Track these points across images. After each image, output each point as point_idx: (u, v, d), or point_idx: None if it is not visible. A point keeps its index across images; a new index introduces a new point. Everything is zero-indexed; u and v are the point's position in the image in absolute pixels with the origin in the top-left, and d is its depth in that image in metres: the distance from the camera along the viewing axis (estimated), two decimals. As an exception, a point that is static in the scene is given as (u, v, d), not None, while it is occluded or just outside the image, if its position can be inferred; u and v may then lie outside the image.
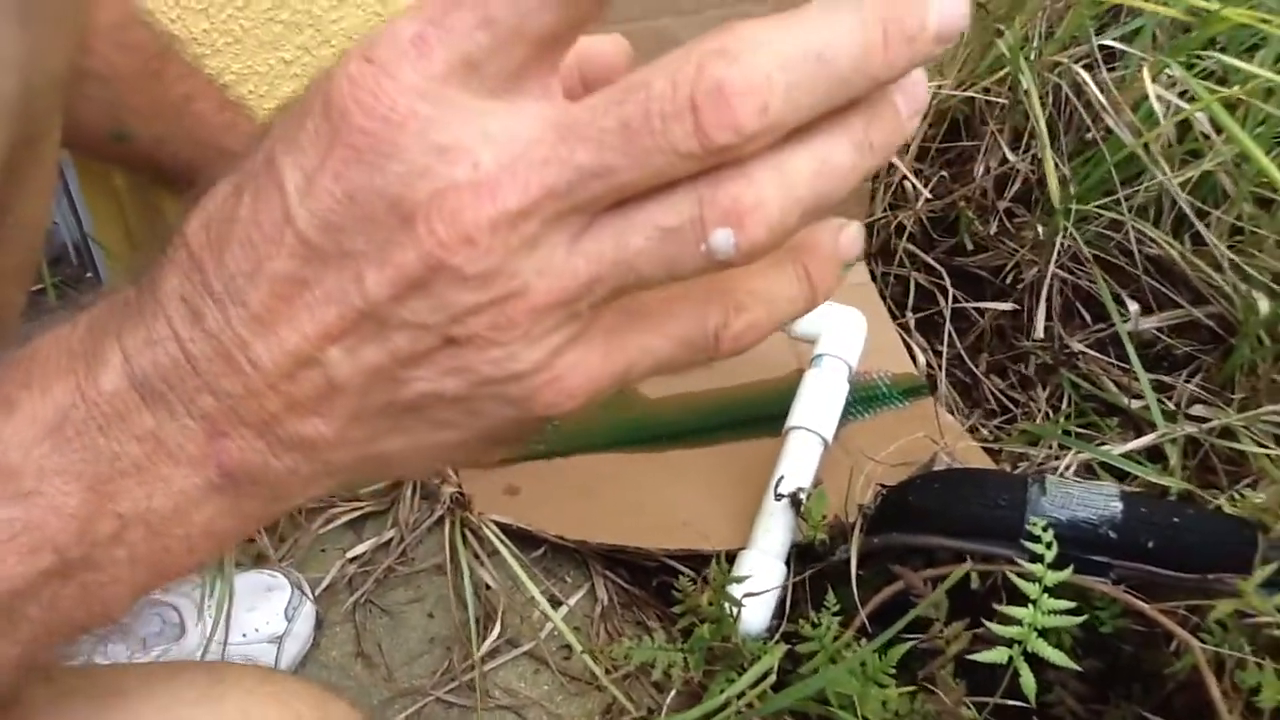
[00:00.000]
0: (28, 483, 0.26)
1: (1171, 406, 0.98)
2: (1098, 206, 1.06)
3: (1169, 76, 1.00)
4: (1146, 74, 0.96)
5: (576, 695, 0.82)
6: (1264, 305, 0.97)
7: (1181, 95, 0.98)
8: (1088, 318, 1.08)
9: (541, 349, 0.25)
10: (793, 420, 0.88)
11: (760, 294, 0.27)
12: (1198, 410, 0.94)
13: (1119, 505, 0.75)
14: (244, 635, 0.79)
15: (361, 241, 0.24)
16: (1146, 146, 0.99)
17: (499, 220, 0.23)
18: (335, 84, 0.24)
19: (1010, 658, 0.67)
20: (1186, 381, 1.00)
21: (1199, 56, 1.04)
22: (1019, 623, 0.66)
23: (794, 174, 0.24)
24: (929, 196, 1.13)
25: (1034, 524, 0.69)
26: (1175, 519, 0.76)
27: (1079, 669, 0.72)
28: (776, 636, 0.82)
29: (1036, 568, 0.67)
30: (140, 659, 0.76)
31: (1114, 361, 1.03)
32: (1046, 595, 0.67)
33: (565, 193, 0.23)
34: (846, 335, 0.93)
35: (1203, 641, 0.69)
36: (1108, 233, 1.09)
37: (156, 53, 0.72)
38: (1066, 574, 0.67)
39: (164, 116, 0.73)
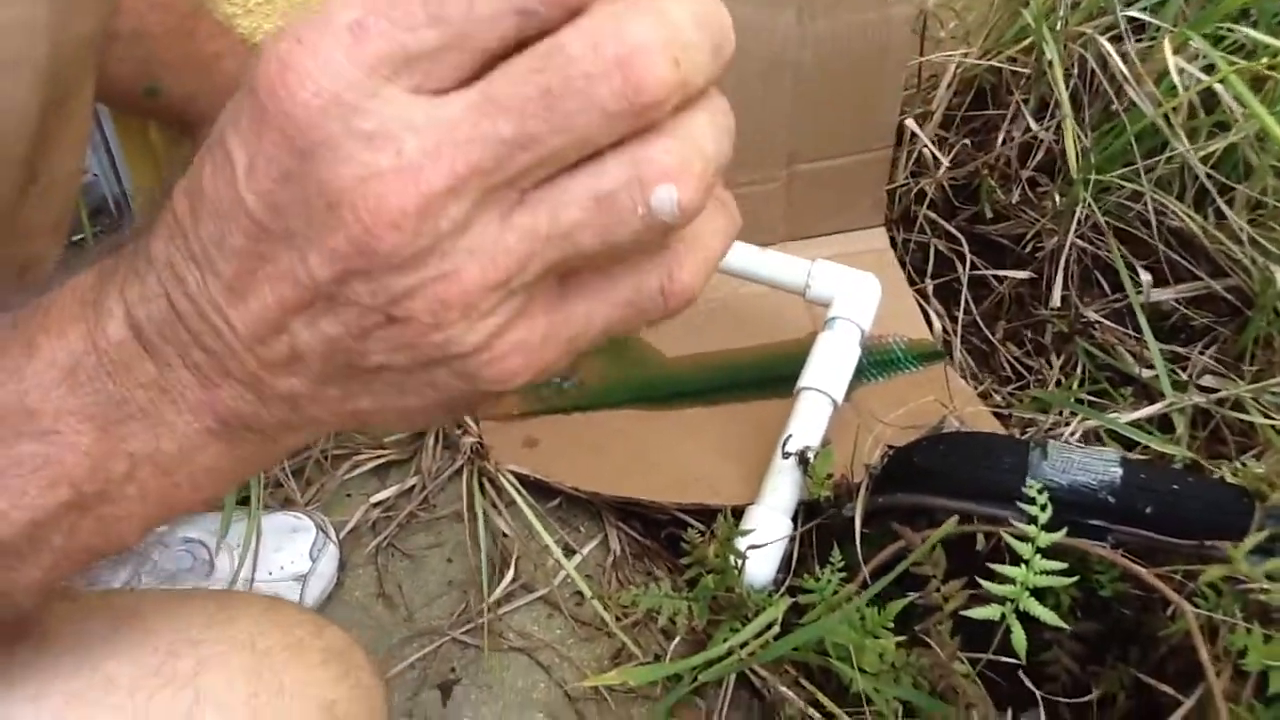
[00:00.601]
0: (46, 422, 0.29)
1: (1184, 377, 0.99)
2: (1118, 177, 1.07)
3: (1194, 48, 1.00)
4: (1168, 45, 0.96)
5: (586, 640, 0.85)
6: (1281, 279, 0.97)
7: (1206, 69, 0.98)
8: (1106, 287, 1.09)
9: (481, 330, 0.26)
10: (803, 381, 0.90)
11: (690, 237, 0.28)
12: (1208, 381, 0.94)
13: (1118, 471, 0.77)
14: (270, 573, 0.83)
15: (301, 224, 0.25)
16: (1168, 118, 1.00)
17: (425, 204, 0.24)
18: (265, 64, 0.24)
19: (1003, 615, 0.69)
20: (1201, 353, 1.01)
21: (1229, 29, 1.03)
22: (1013, 582, 0.68)
23: (704, 133, 0.25)
24: (949, 165, 1.14)
25: (1030, 486, 0.70)
26: (1174, 486, 0.77)
27: (1073, 629, 0.74)
28: (782, 590, 0.84)
29: (1030, 529, 0.69)
30: (166, 587, 0.80)
31: (1129, 332, 1.04)
32: (1039, 556, 0.68)
33: (492, 169, 0.24)
34: (860, 299, 0.94)
35: (1195, 606, 0.71)
36: (1128, 203, 1.09)
37: (189, 11, 0.75)
38: (1059, 536, 0.69)
39: (195, 73, 0.75)
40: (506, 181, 0.24)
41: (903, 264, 1.16)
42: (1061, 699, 0.78)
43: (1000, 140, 1.17)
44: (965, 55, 1.23)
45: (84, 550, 0.32)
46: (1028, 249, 1.14)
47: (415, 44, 0.24)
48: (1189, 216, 1.04)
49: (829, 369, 0.90)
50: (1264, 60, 0.95)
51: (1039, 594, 0.69)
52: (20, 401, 0.29)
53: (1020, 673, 0.72)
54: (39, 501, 0.30)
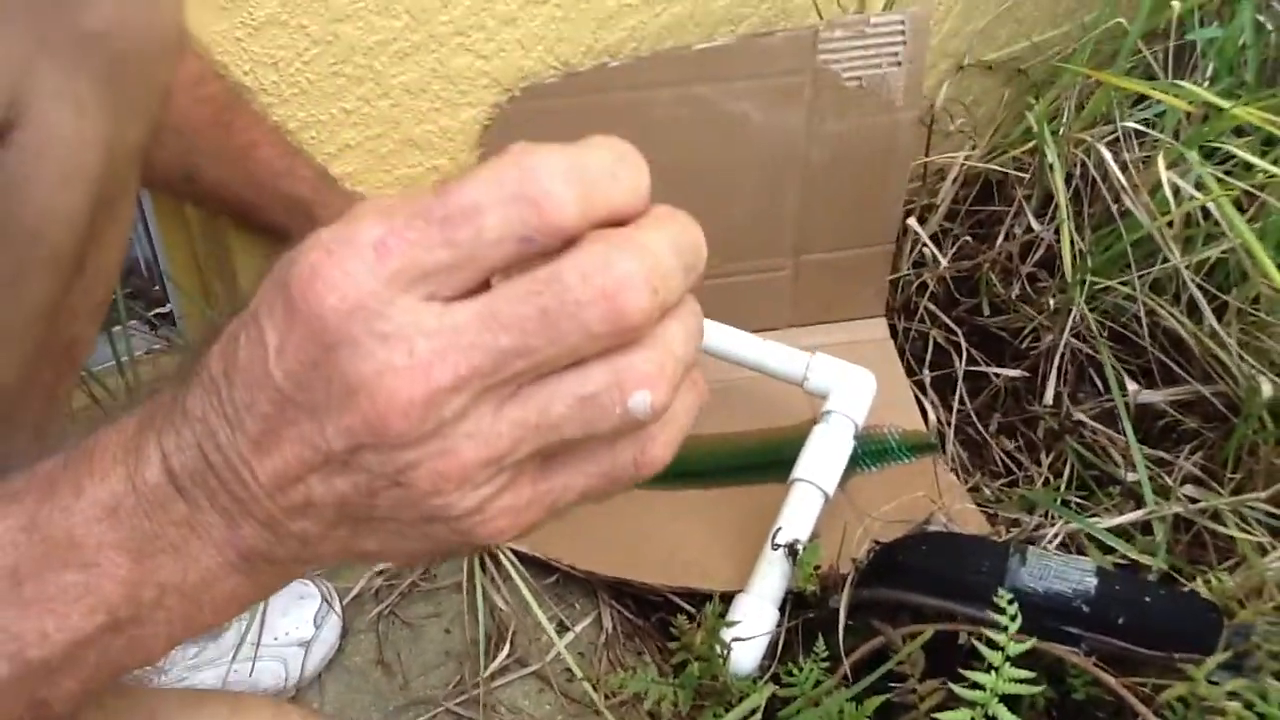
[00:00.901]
0: (89, 554, 0.33)
1: (1170, 481, 1.02)
2: (1114, 281, 1.10)
3: (1190, 161, 1.03)
4: (1161, 161, 1.00)
5: (575, 717, 0.88)
6: (1267, 388, 1.00)
7: (1199, 184, 1.02)
8: (1100, 386, 1.12)
9: (474, 498, 0.30)
10: (797, 472, 0.94)
11: (665, 417, 0.31)
12: (1190, 490, 0.97)
13: (1094, 581, 0.80)
14: (275, 638, 0.86)
15: (321, 401, 0.29)
16: (1162, 231, 1.03)
17: (431, 397, 0.28)
18: (299, 269, 0.28)
19: (972, 719, 0.71)
20: (1188, 458, 1.04)
21: (1219, 144, 1.07)
22: (983, 688, 0.71)
23: (676, 340, 0.30)
24: (950, 259, 1.17)
25: (1001, 596, 0.73)
26: (1146, 598, 0.80)
27: None
28: (766, 677, 0.87)
29: (1000, 637, 0.72)
30: (178, 652, 0.83)
31: (1118, 434, 1.07)
32: (1009, 665, 0.71)
33: (490, 371, 0.28)
34: (856, 394, 0.98)
35: (1161, 718, 0.74)
36: (1125, 303, 1.13)
37: (227, 104, 0.79)
38: (1029, 644, 0.72)
39: (230, 162, 0.80)
40: (502, 381, 0.28)
41: (902, 353, 1.20)
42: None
43: (1002, 236, 1.21)
44: (972, 149, 1.28)
45: (116, 666, 0.36)
46: (1024, 344, 1.17)
47: (430, 262, 0.28)
48: (1180, 322, 1.07)
49: (822, 462, 0.94)
50: (1260, 175, 0.98)
51: (1013, 698, 0.72)
52: (68, 535, 0.33)
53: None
54: (80, 625, 0.33)
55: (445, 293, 0.28)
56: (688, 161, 1.03)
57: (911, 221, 1.16)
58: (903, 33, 0.99)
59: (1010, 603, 0.73)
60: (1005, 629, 0.72)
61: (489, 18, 0.91)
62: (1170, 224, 1.02)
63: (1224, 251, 1.04)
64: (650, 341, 0.29)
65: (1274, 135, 1.02)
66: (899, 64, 1.00)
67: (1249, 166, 1.06)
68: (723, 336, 1.02)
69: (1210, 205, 0.98)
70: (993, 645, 0.73)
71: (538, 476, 0.31)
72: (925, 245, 1.20)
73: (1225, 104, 0.97)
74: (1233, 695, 0.71)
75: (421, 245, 0.28)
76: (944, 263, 1.17)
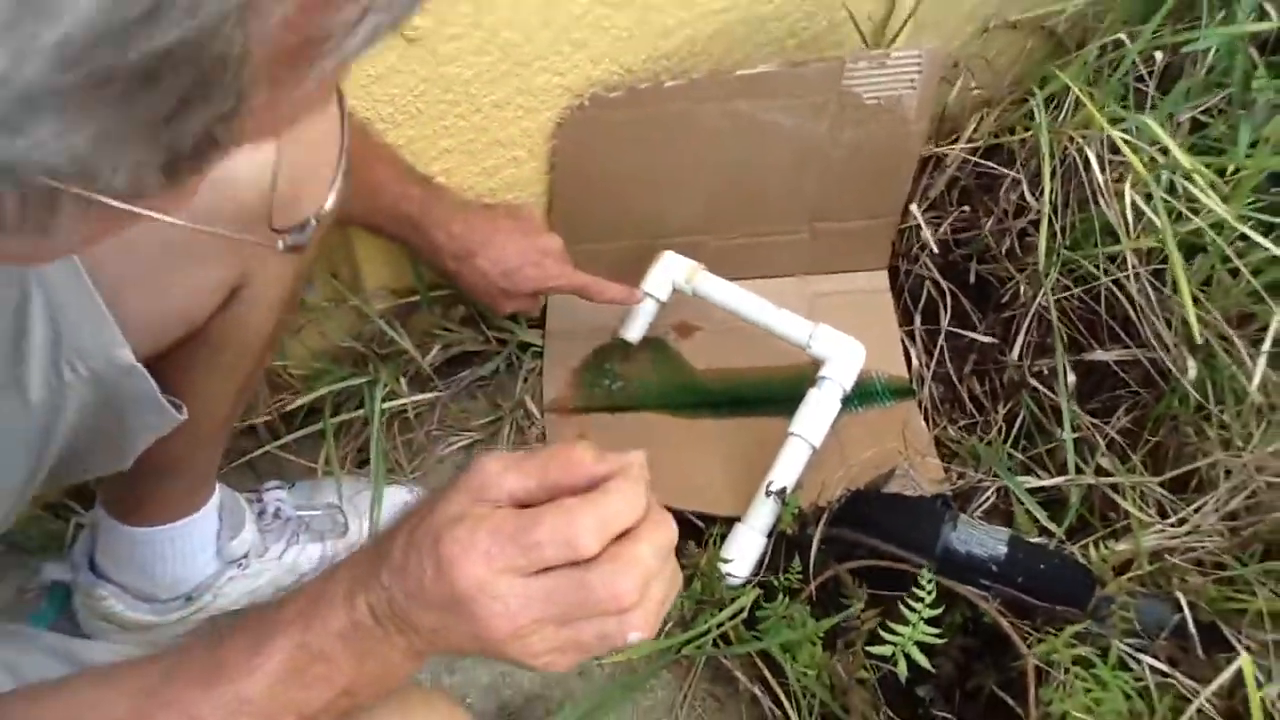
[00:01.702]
0: (333, 660, 0.55)
1: (1098, 440, 1.25)
2: (1083, 255, 1.29)
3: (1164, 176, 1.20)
4: (1128, 187, 1.18)
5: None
6: (1192, 368, 1.22)
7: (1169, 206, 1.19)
8: (1065, 348, 1.33)
9: (528, 645, 0.53)
10: (792, 427, 1.18)
11: (646, 600, 0.54)
12: (1105, 461, 1.21)
13: (1004, 548, 1.05)
14: (384, 534, 1.14)
15: (452, 620, 0.52)
16: (1127, 226, 1.22)
17: (516, 629, 0.51)
18: (446, 551, 0.51)
19: (893, 653, 0.99)
20: (1118, 422, 1.26)
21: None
22: (901, 634, 0.98)
23: (662, 593, 0.54)
24: (955, 207, 1.36)
25: (922, 575, 0.99)
26: (1041, 565, 1.06)
27: (959, 642, 1.05)
28: (753, 583, 1.15)
29: (919, 605, 0.98)
30: (313, 546, 1.11)
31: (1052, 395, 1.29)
32: (922, 622, 0.98)
33: (549, 618, 0.52)
34: (848, 364, 1.20)
35: (1030, 649, 1.01)
36: (1095, 273, 1.32)
37: (358, 145, 0.99)
38: (937, 612, 0.98)
39: (359, 196, 1.00)
40: (554, 621, 0.53)
41: (900, 294, 1.41)
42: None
43: (1001, 198, 1.40)
44: (986, 114, 1.44)
45: (339, 713, 0.60)
46: (1005, 299, 1.38)
47: (515, 563, 0.52)
48: (1129, 294, 1.26)
49: (813, 420, 1.17)
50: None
51: (932, 621, 0.99)
52: (320, 650, 0.55)
53: (908, 682, 1.03)
54: (325, 695, 0.56)
55: (525, 573, 0.52)
56: (726, 158, 1.22)
57: (913, 208, 1.34)
58: (919, 66, 1.15)
59: (930, 582, 0.98)
60: (922, 599, 0.98)
61: (565, 44, 1.08)
62: (1129, 233, 1.21)
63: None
64: (644, 601, 0.53)
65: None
66: (914, 89, 1.17)
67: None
68: (744, 300, 1.24)
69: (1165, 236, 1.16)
70: (914, 602, 0.99)
71: (558, 632, 0.54)
72: (929, 203, 1.39)
73: (1175, 148, 1.13)
74: (1080, 658, 0.98)
75: (510, 557, 0.52)
76: (945, 228, 1.36)
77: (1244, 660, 0.92)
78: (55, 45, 0.26)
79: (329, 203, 0.50)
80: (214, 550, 1.04)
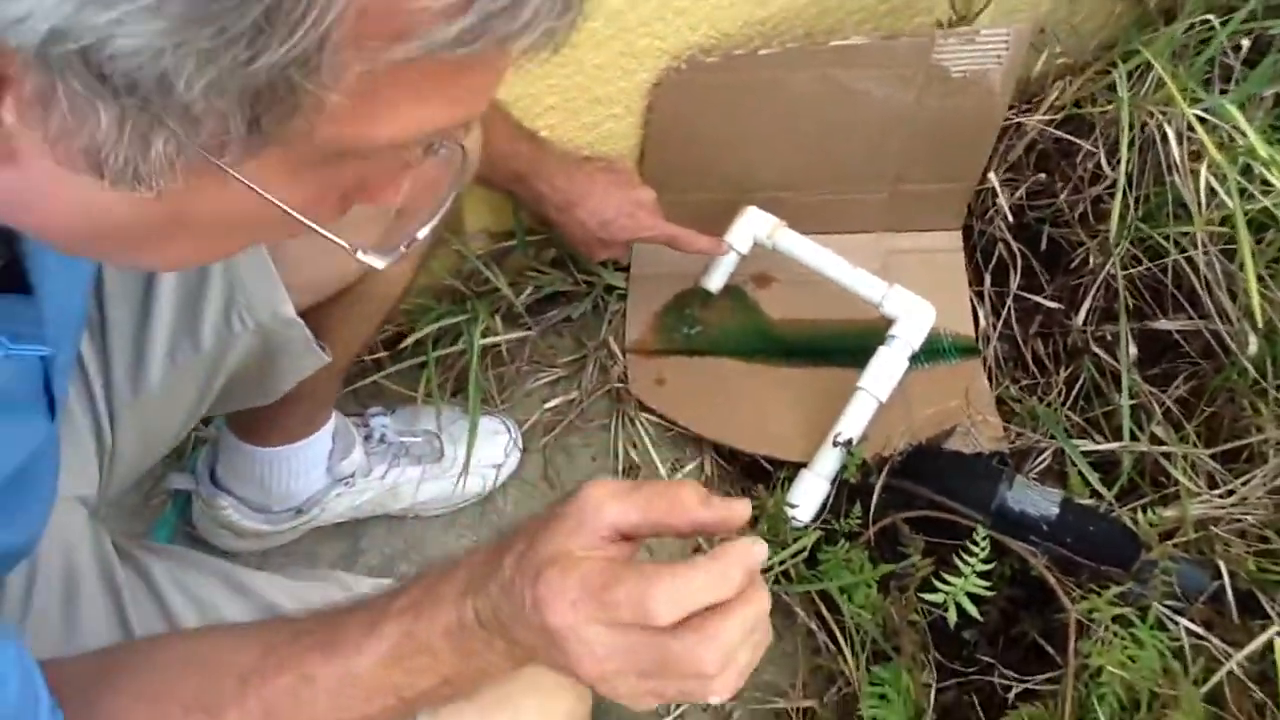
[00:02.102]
0: (437, 653, 0.59)
1: (1158, 409, 1.30)
2: (1155, 228, 1.33)
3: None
4: (1204, 167, 1.21)
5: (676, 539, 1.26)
6: (1253, 344, 1.26)
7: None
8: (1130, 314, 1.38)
9: (616, 685, 0.56)
10: (861, 382, 1.24)
11: (730, 662, 0.54)
12: (1159, 429, 1.26)
13: (1055, 510, 1.12)
14: (478, 461, 1.24)
15: (544, 649, 0.56)
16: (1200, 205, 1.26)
17: (603, 674, 0.54)
18: (541, 587, 0.54)
19: (945, 600, 1.07)
20: (1175, 390, 1.31)
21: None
22: (953, 585, 1.06)
23: (745, 660, 0.55)
24: (1032, 171, 1.40)
25: (977, 533, 1.06)
26: (1090, 526, 1.13)
27: (1007, 593, 1.13)
28: (816, 526, 1.23)
29: (972, 560, 1.05)
30: (412, 468, 1.21)
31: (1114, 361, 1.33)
32: (974, 574, 1.05)
33: (632, 669, 0.54)
34: (917, 324, 1.26)
35: (1074, 604, 1.08)
36: (1165, 244, 1.36)
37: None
38: (989, 567, 1.06)
39: (485, 165, 1.06)
40: (637, 673, 0.55)
41: (972, 252, 1.46)
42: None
43: (1078, 164, 1.43)
44: (1070, 81, 1.46)
45: (440, 700, 0.65)
46: (1074, 264, 1.42)
47: (603, 616, 0.54)
48: (1195, 267, 1.30)
49: (881, 377, 1.24)
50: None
51: (985, 575, 1.06)
52: (426, 642, 0.59)
53: (956, 627, 1.11)
54: (428, 683, 0.60)
55: (608, 625, 0.54)
56: (814, 121, 1.27)
57: (991, 176, 1.38)
58: (1006, 43, 1.19)
59: (984, 538, 1.06)
60: (976, 554, 1.05)
61: (667, 11, 1.14)
62: (1200, 211, 1.25)
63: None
64: (726, 672, 0.54)
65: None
66: (999, 64, 1.21)
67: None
68: (822, 258, 1.29)
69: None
70: (968, 556, 1.07)
71: (642, 682, 0.57)
72: (1007, 166, 1.43)
73: (1252, 133, 1.16)
74: (1120, 616, 1.05)
75: (591, 610, 0.54)
76: (1020, 193, 1.40)
77: (1275, 630, 0.99)
78: None
79: (422, 232, 0.55)
80: (325, 469, 1.14)
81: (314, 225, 0.44)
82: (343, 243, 0.47)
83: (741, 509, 0.60)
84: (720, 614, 0.53)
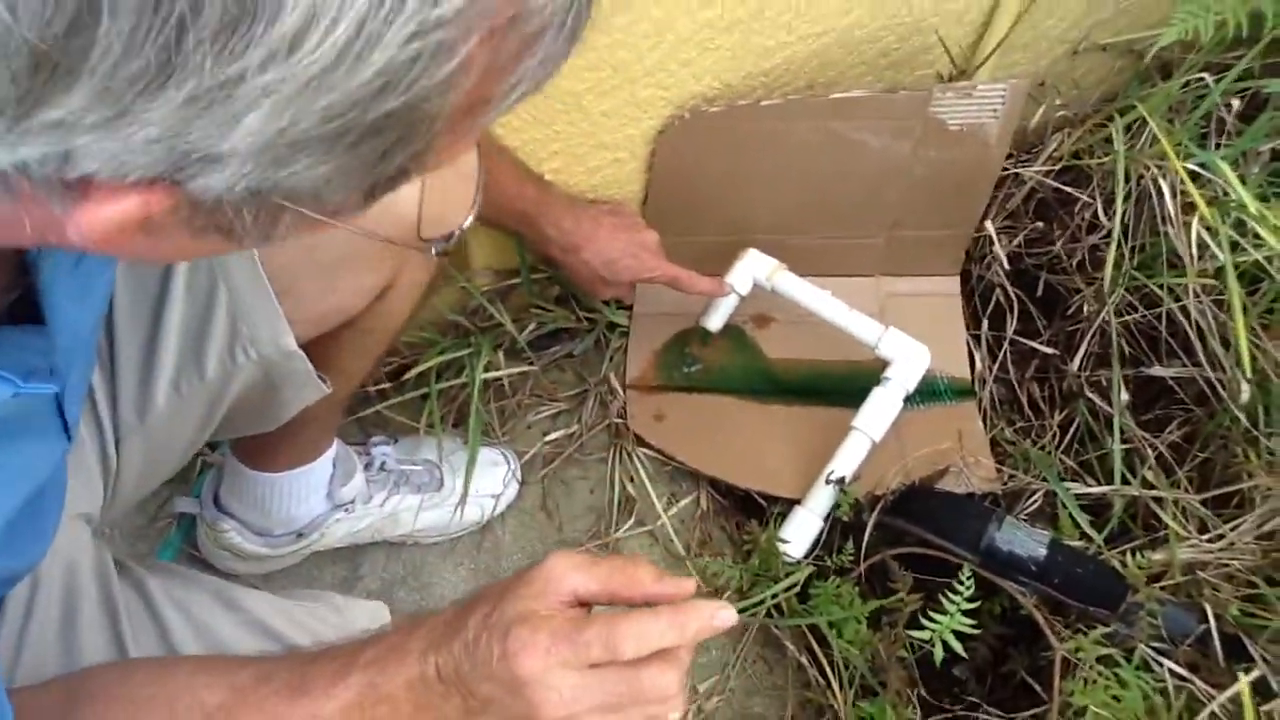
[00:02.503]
0: (398, 705, 0.63)
1: (1150, 453, 1.32)
2: (1149, 276, 1.36)
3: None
4: (1195, 220, 1.24)
5: (672, 567, 1.28)
6: (1245, 392, 1.28)
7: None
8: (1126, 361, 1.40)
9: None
10: (855, 421, 1.27)
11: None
12: (1150, 474, 1.28)
13: (1044, 551, 1.14)
14: (476, 490, 1.26)
15: (509, 698, 0.60)
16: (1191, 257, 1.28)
17: (568, 716, 0.59)
18: (513, 644, 0.59)
19: (931, 638, 1.08)
20: (1168, 436, 1.33)
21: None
22: (939, 622, 1.08)
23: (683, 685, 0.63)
24: (1031, 218, 1.43)
25: (963, 571, 1.08)
26: (1078, 569, 1.14)
27: (995, 631, 1.14)
28: (808, 562, 1.25)
29: (957, 598, 1.07)
30: (412, 496, 1.24)
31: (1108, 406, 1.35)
32: (959, 613, 1.07)
33: (597, 707, 0.60)
34: (912, 367, 1.28)
35: (1062, 642, 1.09)
36: (1160, 293, 1.38)
37: (484, 152, 1.09)
38: (974, 605, 1.07)
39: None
40: (603, 709, 0.61)
41: (970, 297, 1.49)
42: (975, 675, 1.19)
43: (1075, 213, 1.46)
44: (1069, 134, 1.50)
45: None
46: (1070, 310, 1.45)
47: (573, 657, 0.60)
48: (1188, 316, 1.32)
49: (875, 417, 1.26)
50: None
51: (970, 614, 1.08)
52: (389, 694, 0.64)
53: (944, 664, 1.13)
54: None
55: (578, 667, 0.60)
56: (814, 169, 1.31)
57: (988, 224, 1.41)
58: (1003, 98, 1.23)
59: (969, 578, 1.07)
60: (960, 593, 1.07)
61: (672, 63, 1.17)
62: (1193, 262, 1.27)
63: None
64: (680, 691, 0.63)
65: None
66: (996, 118, 1.24)
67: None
68: (820, 300, 1.32)
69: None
70: (953, 594, 1.08)
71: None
72: (1006, 214, 1.46)
73: (1241, 191, 1.19)
74: (1106, 656, 1.06)
75: (563, 653, 0.60)
76: (1018, 241, 1.43)
77: (1256, 673, 1.00)
78: (323, 108, 0.36)
79: (468, 220, 0.60)
80: (325, 494, 1.17)
81: (382, 235, 0.53)
82: (414, 245, 0.52)
83: (689, 585, 0.66)
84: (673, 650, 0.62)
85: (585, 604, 0.66)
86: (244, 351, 0.79)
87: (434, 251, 0.59)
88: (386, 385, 1.33)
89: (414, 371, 1.29)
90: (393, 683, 0.64)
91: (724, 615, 0.64)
